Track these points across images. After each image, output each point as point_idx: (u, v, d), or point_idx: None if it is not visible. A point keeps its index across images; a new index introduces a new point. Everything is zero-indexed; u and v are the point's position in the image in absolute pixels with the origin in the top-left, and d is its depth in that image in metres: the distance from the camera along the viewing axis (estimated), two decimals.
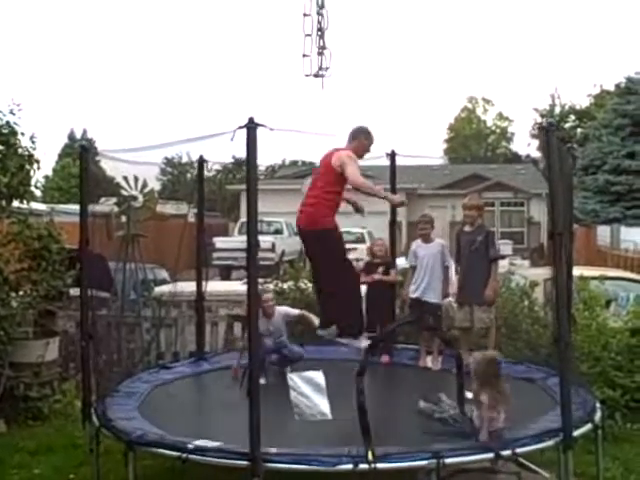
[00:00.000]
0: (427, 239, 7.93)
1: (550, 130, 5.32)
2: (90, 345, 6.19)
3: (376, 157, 8.16)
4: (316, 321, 7.33)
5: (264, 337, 7.08)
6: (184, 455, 4.77)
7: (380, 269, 8.16)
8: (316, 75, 7.97)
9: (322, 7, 7.98)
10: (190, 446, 4.81)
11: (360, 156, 6.60)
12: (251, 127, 4.74)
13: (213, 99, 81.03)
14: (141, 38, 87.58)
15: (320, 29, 8.00)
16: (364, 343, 6.37)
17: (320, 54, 7.98)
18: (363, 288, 8.52)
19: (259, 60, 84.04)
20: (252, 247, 4.78)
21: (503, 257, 8.61)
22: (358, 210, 6.93)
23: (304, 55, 7.95)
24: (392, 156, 8.34)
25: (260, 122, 4.74)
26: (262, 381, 7.58)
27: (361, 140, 6.62)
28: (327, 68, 7.98)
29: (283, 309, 7.82)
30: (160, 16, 73.75)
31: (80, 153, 6.43)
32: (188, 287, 9.15)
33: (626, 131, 30.97)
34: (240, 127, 4.76)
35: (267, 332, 7.28)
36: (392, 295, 8.24)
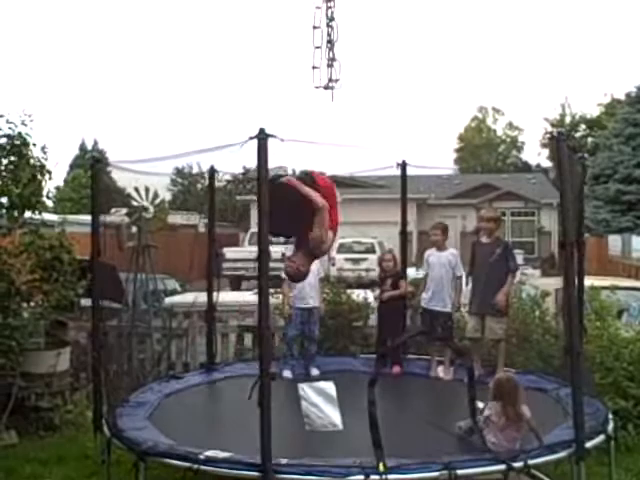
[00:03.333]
0: (440, 247, 7.94)
1: (560, 139, 5.31)
2: (102, 355, 6.20)
3: (387, 167, 8.19)
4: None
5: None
6: (195, 466, 4.77)
7: (388, 281, 8.21)
8: (326, 87, 8.02)
9: (332, 20, 8.04)
10: (201, 457, 4.81)
11: None
12: (262, 138, 4.76)
13: (224, 110, 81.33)
14: (153, 50, 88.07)
15: (330, 41, 8.05)
16: None
17: (330, 66, 8.03)
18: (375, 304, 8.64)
19: (270, 72, 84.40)
20: (263, 257, 4.78)
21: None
22: None
23: (314, 67, 8.00)
24: (403, 166, 8.34)
25: (271, 133, 4.75)
26: (289, 374, 7.70)
27: None
28: (337, 80, 8.02)
29: (317, 262, 7.98)
30: (173, 28, 74.33)
31: (92, 165, 6.46)
32: (199, 297, 9.17)
33: (637, 140, 30.92)
34: (251, 137, 4.77)
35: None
36: (403, 308, 8.26)
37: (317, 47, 8.02)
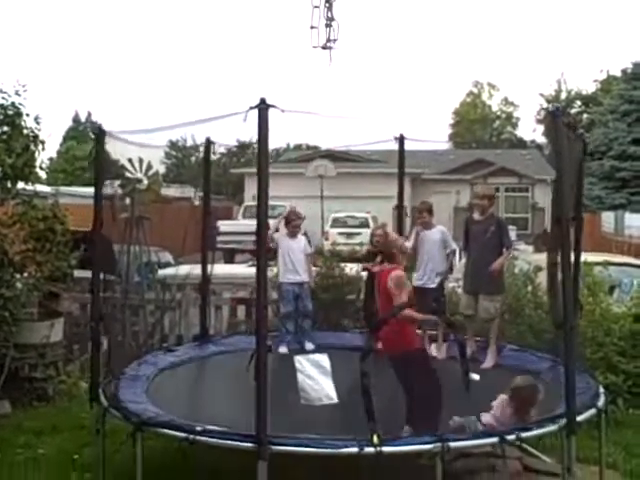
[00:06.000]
0: (427, 226, 7.88)
1: (557, 115, 5.28)
2: (100, 326, 6.19)
3: (385, 141, 8.14)
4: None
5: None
6: (191, 437, 4.79)
7: (378, 258, 8.20)
8: (324, 47, 7.99)
9: None
10: (198, 428, 4.83)
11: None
12: (262, 108, 4.69)
13: (220, 71, 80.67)
14: (146, 17, 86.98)
15: (328, 1, 8.00)
16: None
17: (328, 26, 8.00)
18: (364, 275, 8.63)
19: (266, 32, 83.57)
20: (262, 229, 4.76)
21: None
22: None
23: (312, 27, 7.96)
24: (401, 140, 8.25)
25: (272, 103, 4.68)
26: (284, 350, 7.71)
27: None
28: (335, 40, 8.00)
29: (304, 239, 8.48)
30: None
31: (96, 135, 6.28)
32: (194, 270, 9.17)
33: (632, 117, 30.94)
34: (252, 108, 4.70)
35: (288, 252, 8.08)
36: None
37: (315, 6, 7.99)
